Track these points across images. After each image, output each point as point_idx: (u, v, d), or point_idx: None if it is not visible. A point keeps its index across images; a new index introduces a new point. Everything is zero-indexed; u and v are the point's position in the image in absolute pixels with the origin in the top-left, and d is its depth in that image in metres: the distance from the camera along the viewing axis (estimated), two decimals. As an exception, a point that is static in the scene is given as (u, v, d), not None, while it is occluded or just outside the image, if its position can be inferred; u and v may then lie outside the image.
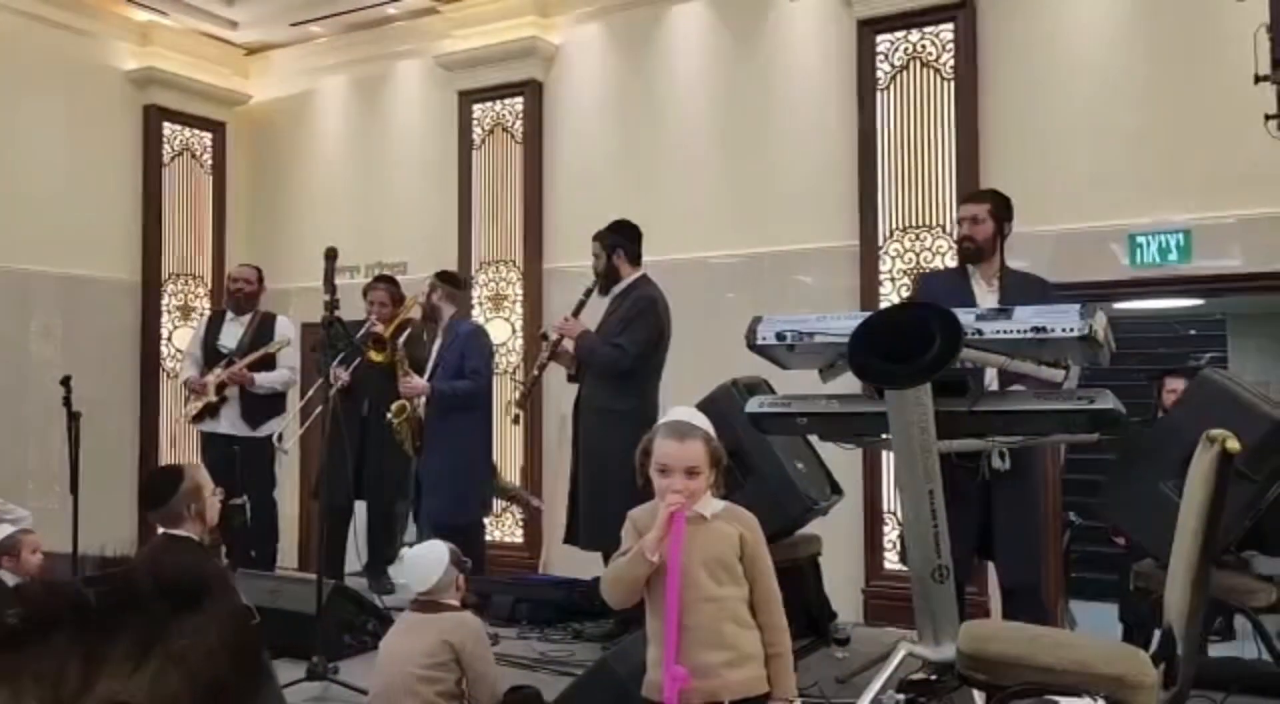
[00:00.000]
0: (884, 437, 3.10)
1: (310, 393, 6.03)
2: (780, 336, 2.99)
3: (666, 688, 2.18)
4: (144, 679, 0.68)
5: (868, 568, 5.59)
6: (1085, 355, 2.82)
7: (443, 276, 5.60)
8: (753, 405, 3.26)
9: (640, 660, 2.38)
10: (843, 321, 2.98)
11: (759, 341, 3.07)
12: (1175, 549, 2.18)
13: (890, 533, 5.56)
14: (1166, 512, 3.13)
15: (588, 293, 4.80)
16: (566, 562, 5.52)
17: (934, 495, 2.87)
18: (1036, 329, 2.69)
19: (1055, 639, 2.40)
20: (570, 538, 4.67)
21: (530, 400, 5.25)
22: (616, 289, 4.71)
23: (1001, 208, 3.97)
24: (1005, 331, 2.76)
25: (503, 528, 6.74)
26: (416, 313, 5.77)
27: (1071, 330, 2.65)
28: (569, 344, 4.73)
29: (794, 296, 5.83)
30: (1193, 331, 9.96)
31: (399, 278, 7.00)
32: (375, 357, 5.41)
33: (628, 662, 2.48)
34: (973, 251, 3.91)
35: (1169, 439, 3.21)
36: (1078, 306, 2.72)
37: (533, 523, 6.61)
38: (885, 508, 5.56)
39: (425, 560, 3.08)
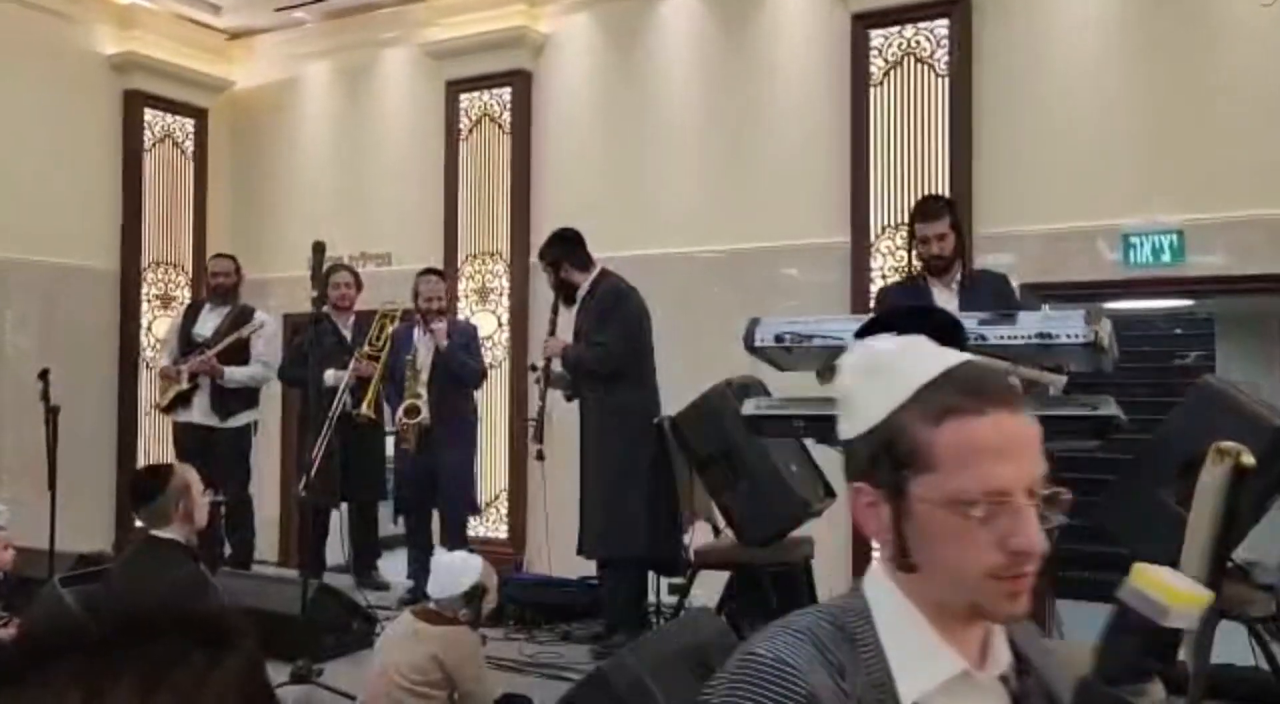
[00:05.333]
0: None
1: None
2: (779, 339, 2.93)
3: None
4: None
5: (856, 568, 5.55)
6: (1089, 362, 2.77)
7: (444, 275, 5.85)
8: (749, 408, 3.21)
9: (637, 674, 2.32)
10: (842, 324, 2.94)
11: (757, 343, 3.01)
12: (1184, 562, 2.15)
13: (879, 532, 5.52)
14: (1164, 519, 3.11)
15: (555, 310, 4.80)
16: (550, 559, 5.46)
17: (933, 502, 2.82)
18: (1042, 335, 2.64)
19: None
20: (583, 549, 4.57)
21: (541, 428, 5.12)
22: (580, 295, 4.67)
23: (957, 215, 4.01)
24: (1009, 337, 2.71)
25: (487, 524, 6.66)
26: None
27: (1077, 337, 2.61)
28: (557, 364, 4.68)
29: (783, 293, 5.78)
30: (1178, 331, 9.98)
31: (383, 269, 6.95)
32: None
33: (625, 674, 2.42)
34: (942, 267, 3.92)
35: (1168, 446, 3.18)
36: (1083, 312, 2.68)
37: (517, 518, 6.54)
38: (874, 507, 5.51)
39: (450, 571, 3.01)
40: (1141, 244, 5.15)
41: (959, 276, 3.93)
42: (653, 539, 4.25)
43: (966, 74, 5.49)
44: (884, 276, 5.62)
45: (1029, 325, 2.69)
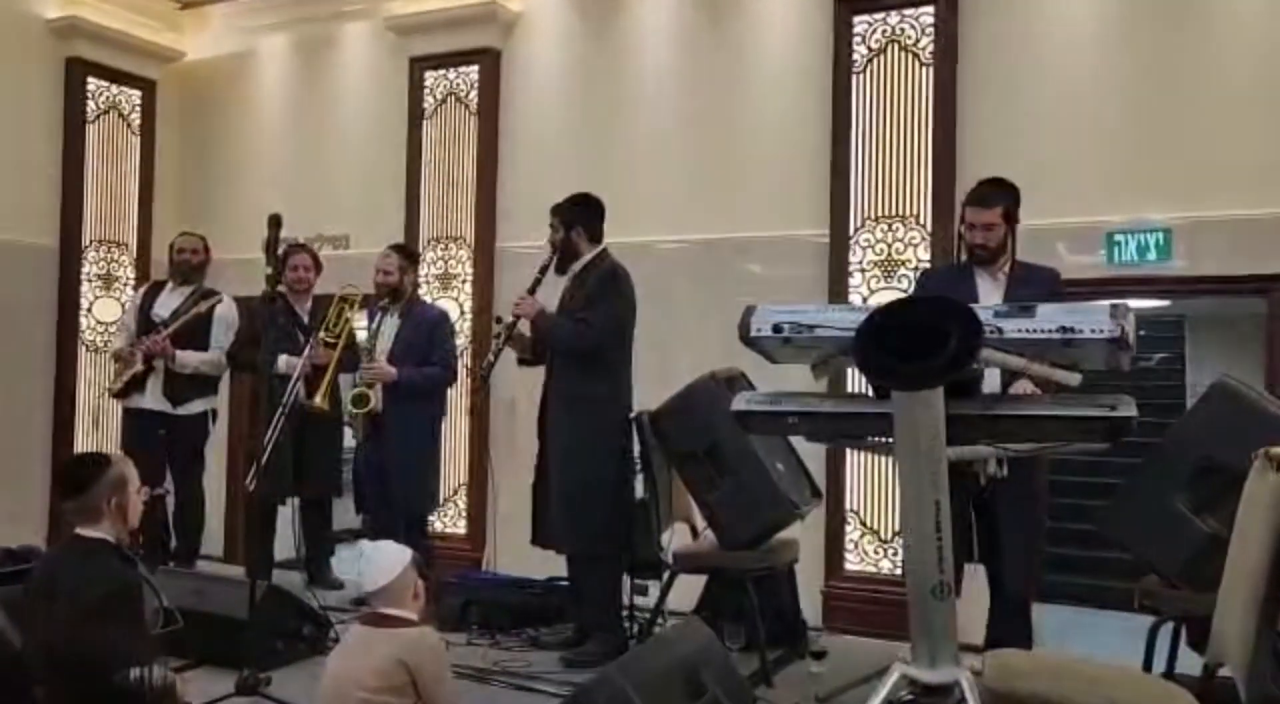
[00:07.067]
0: (884, 440, 2.87)
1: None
2: (777, 329, 2.73)
3: None
4: None
5: (828, 568, 5.39)
6: (1109, 359, 2.60)
7: (404, 251, 5.43)
8: (739, 403, 3.00)
9: (623, 690, 2.10)
10: (847, 314, 2.74)
11: (753, 333, 2.80)
12: (1229, 579, 1.98)
13: (853, 533, 5.37)
14: (1176, 527, 2.96)
15: (543, 269, 4.45)
16: (514, 557, 5.23)
17: (940, 506, 2.64)
18: (1064, 329, 2.46)
19: (1092, 676, 2.18)
20: (539, 539, 4.33)
21: (486, 379, 4.87)
22: (575, 267, 4.40)
23: (1013, 206, 3.71)
24: (1028, 330, 2.53)
25: (445, 518, 6.41)
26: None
27: (1102, 332, 2.43)
28: (524, 326, 4.40)
29: (759, 286, 5.58)
30: (1143, 332, 9.94)
31: (340, 252, 6.66)
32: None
33: (609, 689, 2.20)
34: (986, 258, 3.67)
35: (1181, 450, 3.03)
36: (1108, 306, 2.50)
37: (478, 513, 6.29)
38: (849, 506, 5.36)
39: (385, 557, 2.76)
40: (1127, 242, 5.04)
41: (1007, 268, 3.68)
42: (627, 538, 4.03)
43: (951, 63, 5.33)
44: (863, 270, 5.46)
45: (1050, 318, 2.51)
